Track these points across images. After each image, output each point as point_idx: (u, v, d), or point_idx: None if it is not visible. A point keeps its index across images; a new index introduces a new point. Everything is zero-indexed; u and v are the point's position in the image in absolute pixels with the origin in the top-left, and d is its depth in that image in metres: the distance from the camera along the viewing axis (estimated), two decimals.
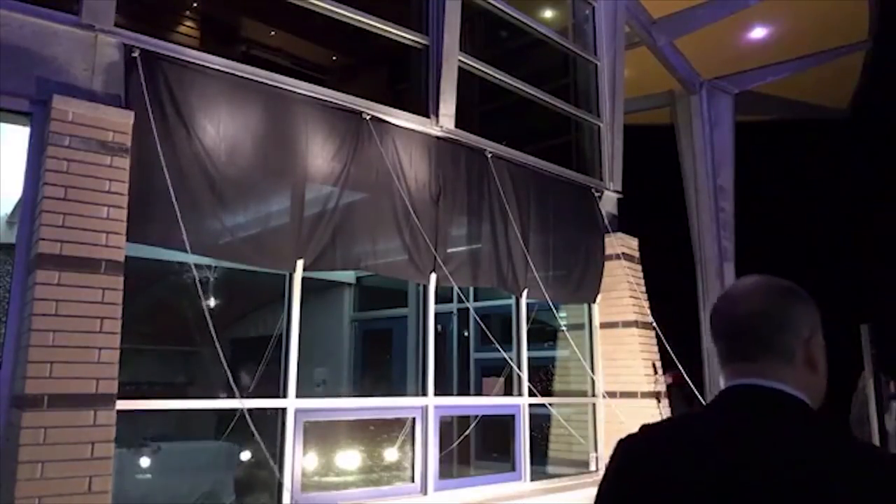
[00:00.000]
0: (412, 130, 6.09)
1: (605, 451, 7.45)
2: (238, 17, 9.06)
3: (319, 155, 5.42)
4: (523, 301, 6.98)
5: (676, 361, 7.40)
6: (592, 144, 8.35)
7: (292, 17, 6.57)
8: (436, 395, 5.96)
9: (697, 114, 13.43)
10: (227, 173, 4.82)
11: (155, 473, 6.48)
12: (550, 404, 7.20)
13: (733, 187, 13.45)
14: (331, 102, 5.57)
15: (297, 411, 5.04)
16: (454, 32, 6.36)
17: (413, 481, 5.78)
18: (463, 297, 8.22)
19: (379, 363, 9.93)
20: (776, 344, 1.29)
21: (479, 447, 8.13)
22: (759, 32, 11.72)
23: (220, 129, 4.87)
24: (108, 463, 3.74)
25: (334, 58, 9.61)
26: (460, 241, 6.44)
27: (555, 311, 7.29)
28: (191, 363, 8.45)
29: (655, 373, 7.57)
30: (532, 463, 6.76)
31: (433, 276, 6.06)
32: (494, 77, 7.14)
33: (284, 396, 5.04)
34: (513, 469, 6.70)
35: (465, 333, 9.67)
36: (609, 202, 8.29)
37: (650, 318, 7.76)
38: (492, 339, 6.62)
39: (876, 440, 7.81)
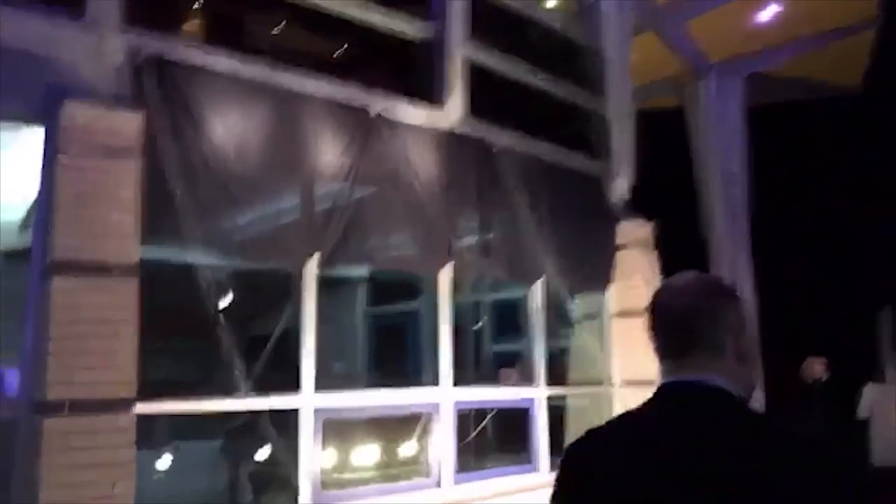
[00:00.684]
0: (421, 123, 6.05)
1: None
2: (241, 12, 9.04)
3: (329, 151, 5.41)
4: (537, 291, 6.96)
5: None
6: (602, 133, 8.28)
7: (295, 10, 6.55)
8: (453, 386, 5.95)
9: (706, 98, 13.29)
10: (238, 172, 4.82)
11: (170, 474, 6.51)
12: (565, 395, 7.19)
13: (746, 172, 13.33)
14: (338, 98, 5.54)
15: (316, 410, 5.04)
16: (462, 23, 6.32)
17: (429, 476, 5.79)
18: (478, 288, 8.22)
19: (394, 357, 9.95)
20: (707, 339, 1.36)
21: (497, 439, 8.14)
22: (770, 11, 11.56)
23: (230, 129, 4.86)
24: (131, 466, 3.77)
25: (340, 49, 9.58)
26: (471, 232, 6.42)
27: (570, 301, 7.26)
28: (205, 360, 8.46)
29: None
30: (550, 454, 6.76)
31: (445, 269, 6.05)
32: (503, 68, 7.09)
33: (299, 392, 5.04)
34: (529, 461, 6.71)
35: (479, 323, 9.66)
36: (620, 190, 8.22)
37: None
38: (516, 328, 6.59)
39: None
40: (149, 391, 4.08)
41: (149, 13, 4.89)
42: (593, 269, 7.40)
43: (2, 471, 3.92)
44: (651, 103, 13.04)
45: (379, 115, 5.69)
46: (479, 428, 7.72)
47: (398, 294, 10.06)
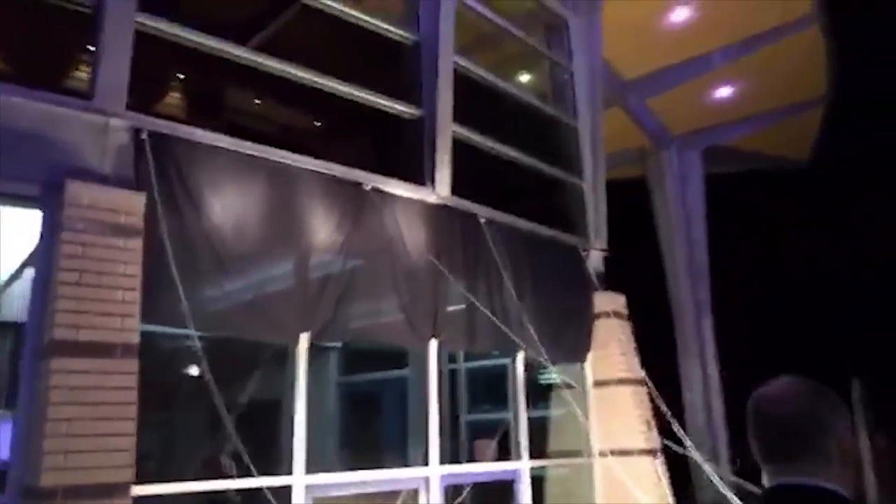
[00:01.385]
0: (410, 199, 6.20)
1: None
2: (223, 87, 9.19)
3: (322, 227, 5.49)
4: (519, 362, 7.03)
5: (668, 415, 7.48)
6: (577, 204, 8.57)
7: (274, 84, 6.73)
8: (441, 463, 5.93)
9: (668, 168, 13.91)
10: (234, 250, 4.85)
11: None
12: (547, 467, 7.19)
13: (706, 239, 13.86)
14: (332, 175, 5.66)
15: (307, 487, 4.97)
16: (447, 103, 6.57)
17: None
18: (453, 358, 8.24)
19: (368, 428, 9.80)
20: (816, 445, 1.43)
21: None
22: (724, 91, 12.29)
23: (227, 206, 4.91)
24: None
25: (318, 123, 9.77)
26: (458, 304, 6.50)
27: (552, 372, 7.34)
28: (167, 435, 8.20)
29: (650, 429, 7.63)
30: None
31: (433, 342, 6.10)
32: (486, 146, 7.35)
33: (290, 473, 4.97)
34: None
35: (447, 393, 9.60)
36: (595, 260, 8.46)
37: (642, 375, 7.85)
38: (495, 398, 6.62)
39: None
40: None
41: (144, 93, 5.00)
42: (573, 339, 7.53)
43: None
44: (615, 173, 13.56)
45: (373, 189, 5.82)
46: (458, 501, 7.63)
47: (373, 363, 9.98)
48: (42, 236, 4.16)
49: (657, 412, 7.67)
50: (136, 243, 4.20)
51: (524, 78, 9.79)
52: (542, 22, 9.09)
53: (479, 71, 7.44)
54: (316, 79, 6.01)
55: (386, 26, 6.68)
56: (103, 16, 4.58)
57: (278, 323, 5.11)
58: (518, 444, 6.93)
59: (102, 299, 3.97)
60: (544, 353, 6.72)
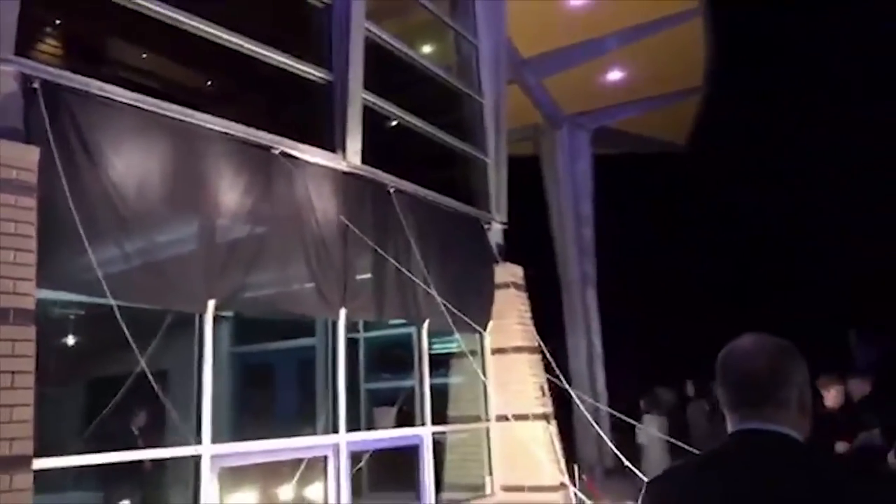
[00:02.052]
0: (320, 165, 6.09)
1: (498, 474, 7.75)
2: (106, 36, 8.53)
3: (229, 190, 5.28)
4: (424, 331, 7.14)
5: (564, 382, 7.86)
6: (480, 178, 8.73)
7: (164, 40, 6.34)
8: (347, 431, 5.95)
9: (560, 147, 14.41)
10: (137, 210, 4.58)
11: None
12: (447, 432, 7.38)
13: (593, 215, 14.54)
14: (241, 137, 5.45)
15: (213, 457, 4.84)
16: (359, 70, 6.46)
17: None
18: (355, 327, 8.23)
19: (263, 399, 9.61)
20: (778, 395, 1.59)
21: (372, 478, 8.13)
22: (615, 75, 12.84)
23: (128, 164, 4.62)
24: None
25: (209, 82, 9.30)
26: (367, 273, 6.49)
27: (458, 339, 7.52)
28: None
29: (544, 395, 8.00)
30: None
31: (342, 311, 6.07)
32: (396, 115, 7.31)
33: (199, 443, 4.82)
34: (417, 498, 6.79)
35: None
36: (496, 233, 8.68)
37: (538, 343, 8.19)
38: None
39: None
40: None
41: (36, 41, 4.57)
42: (477, 309, 7.71)
43: None
44: (512, 150, 13.90)
45: (282, 153, 5.66)
46: (357, 467, 7.69)
47: (266, 332, 9.76)
48: None
49: (549, 379, 8.05)
50: (30, 201, 3.89)
51: (426, 49, 9.77)
52: None
53: (390, 39, 7.36)
54: (218, 33, 5.66)
55: None
56: None
57: (185, 290, 4.89)
58: (422, 410, 7.05)
59: None
60: (450, 322, 6.86)
